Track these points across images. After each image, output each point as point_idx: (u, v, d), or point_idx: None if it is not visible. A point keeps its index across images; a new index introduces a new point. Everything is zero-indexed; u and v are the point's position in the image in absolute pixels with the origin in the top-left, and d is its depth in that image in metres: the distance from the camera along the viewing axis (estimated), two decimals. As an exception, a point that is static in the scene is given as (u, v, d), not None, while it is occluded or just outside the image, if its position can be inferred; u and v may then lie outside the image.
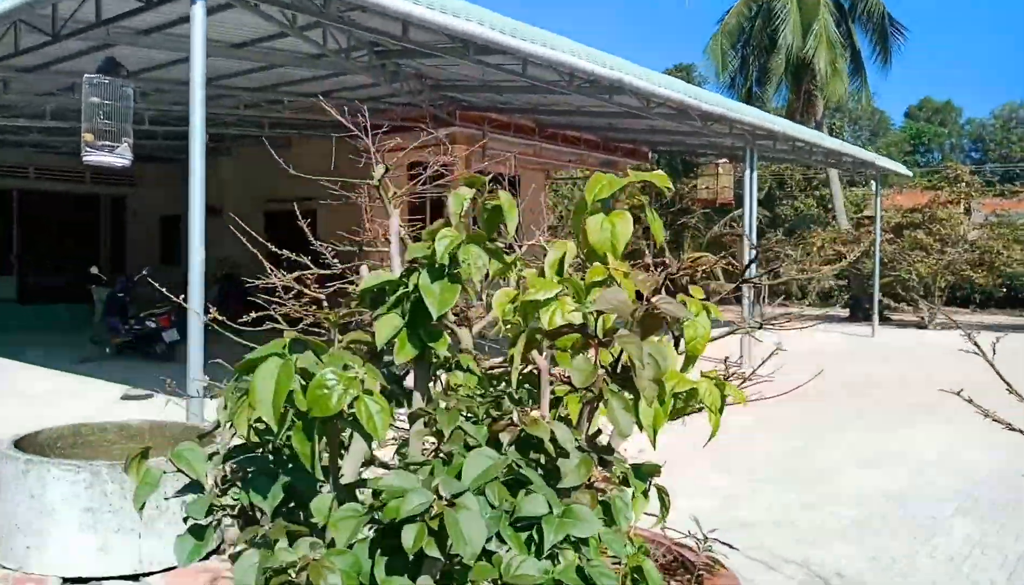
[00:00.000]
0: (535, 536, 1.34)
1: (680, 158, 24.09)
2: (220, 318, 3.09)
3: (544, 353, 1.58)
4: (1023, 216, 20.65)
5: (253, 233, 3.89)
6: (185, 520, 1.66)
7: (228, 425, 1.58)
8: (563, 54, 7.31)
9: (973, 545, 4.77)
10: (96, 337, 12.93)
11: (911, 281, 18.75)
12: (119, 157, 5.96)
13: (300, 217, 3.79)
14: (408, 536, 1.31)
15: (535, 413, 1.47)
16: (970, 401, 2.06)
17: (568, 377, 1.57)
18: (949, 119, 68.11)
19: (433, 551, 1.29)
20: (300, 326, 3.09)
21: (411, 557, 1.33)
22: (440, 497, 1.32)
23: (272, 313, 3.15)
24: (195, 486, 1.63)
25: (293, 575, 1.34)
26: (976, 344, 2.09)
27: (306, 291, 3.13)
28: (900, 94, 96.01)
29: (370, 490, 1.46)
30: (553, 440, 1.40)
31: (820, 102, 22.50)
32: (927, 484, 6.08)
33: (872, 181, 26.52)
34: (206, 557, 4.78)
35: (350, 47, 9.14)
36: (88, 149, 5.91)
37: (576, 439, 1.43)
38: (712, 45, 23.31)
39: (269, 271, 3.31)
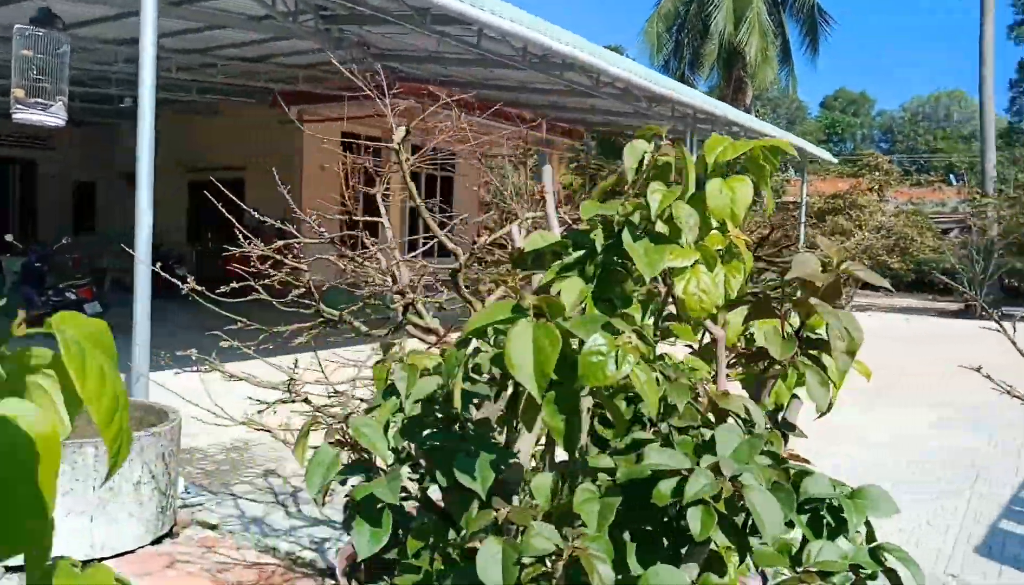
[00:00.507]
0: (830, 519, 1.26)
1: (611, 139, 24.28)
2: (198, 288, 2.89)
3: (720, 324, 1.50)
4: (936, 205, 21.63)
5: (247, 205, 3.68)
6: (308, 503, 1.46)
7: (409, 396, 1.41)
8: (520, 27, 7.18)
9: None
10: (8, 309, 12.18)
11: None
12: (53, 116, 5.54)
13: (279, 183, 3.57)
14: (695, 521, 1.19)
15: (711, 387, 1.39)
16: (988, 377, 2.09)
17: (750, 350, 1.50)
18: (862, 110, 70.78)
19: (720, 537, 1.19)
20: (291, 296, 2.93)
21: (668, 542, 1.23)
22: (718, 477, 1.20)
23: (253, 284, 2.97)
24: (359, 466, 1.44)
25: (549, 565, 1.19)
26: (1002, 327, 2.12)
27: (288, 261, 2.97)
28: (817, 84, 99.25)
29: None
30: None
31: (750, 89, 23.00)
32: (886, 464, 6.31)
33: (791, 167, 27.30)
34: (158, 541, 4.56)
35: (297, 10, 8.79)
36: (18, 106, 5.47)
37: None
38: (648, 28, 23.49)
39: (245, 240, 3.12)
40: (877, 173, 20.39)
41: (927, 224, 20.47)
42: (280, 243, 3.00)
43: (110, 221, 18.40)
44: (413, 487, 1.65)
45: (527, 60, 8.97)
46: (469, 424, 1.43)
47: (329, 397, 2.64)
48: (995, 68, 21.33)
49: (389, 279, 2.99)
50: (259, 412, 2.66)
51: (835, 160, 19.33)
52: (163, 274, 3.06)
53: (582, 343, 1.18)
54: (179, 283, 2.86)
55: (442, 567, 1.27)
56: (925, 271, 22.66)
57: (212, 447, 5.95)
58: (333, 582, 3.82)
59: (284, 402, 2.64)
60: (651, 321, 1.52)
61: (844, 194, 19.88)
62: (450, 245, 2.45)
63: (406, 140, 2.51)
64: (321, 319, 2.94)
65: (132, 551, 4.00)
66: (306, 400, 2.61)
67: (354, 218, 3.31)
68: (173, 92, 13.90)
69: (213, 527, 4.45)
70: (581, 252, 1.36)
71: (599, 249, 1.35)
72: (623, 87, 10.23)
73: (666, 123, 13.12)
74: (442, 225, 3.21)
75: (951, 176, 30.44)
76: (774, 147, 1.56)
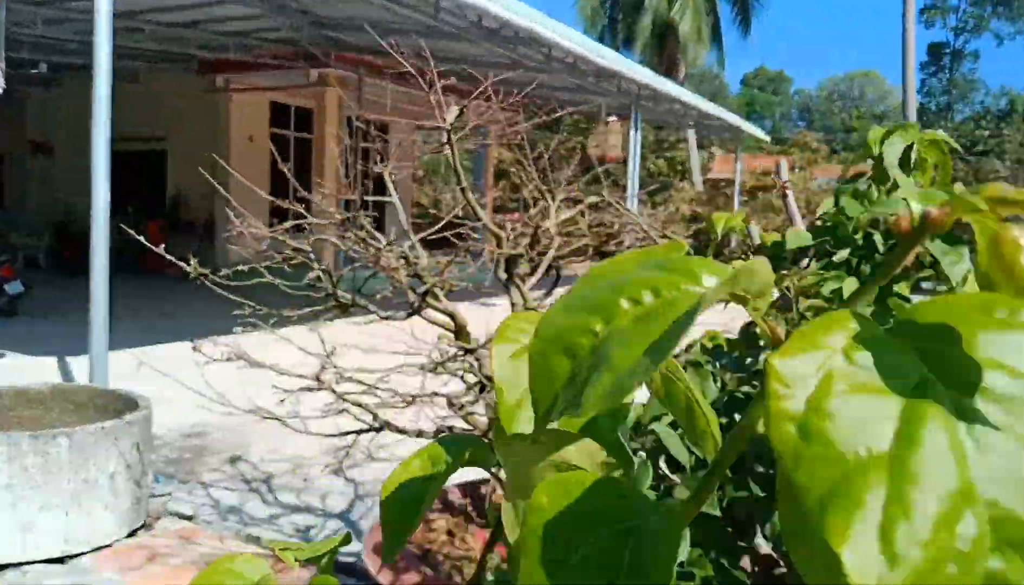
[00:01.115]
0: None
1: (549, 114, 24.20)
2: (202, 271, 2.72)
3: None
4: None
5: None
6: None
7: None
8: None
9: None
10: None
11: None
12: (-11, 83, 5.14)
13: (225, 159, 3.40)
14: None
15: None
16: None
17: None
18: (781, 89, 72.78)
19: None
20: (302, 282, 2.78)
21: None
22: None
23: (258, 267, 2.81)
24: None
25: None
26: None
27: (299, 247, 2.81)
28: (738, 62, 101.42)
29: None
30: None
31: (682, 65, 23.26)
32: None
33: (715, 143, 27.85)
34: (132, 534, 4.36)
35: (239, -26, 8.39)
36: (-50, 71, 5.04)
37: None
38: (582, 3, 23.45)
39: (243, 219, 2.94)
40: (805, 151, 21.01)
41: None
42: (289, 223, 2.83)
43: (20, 197, 17.39)
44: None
45: (481, 32, 8.81)
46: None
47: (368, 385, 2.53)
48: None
49: (397, 262, 2.88)
50: (281, 401, 2.53)
51: (767, 138, 19.81)
52: (170, 258, 2.85)
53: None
54: (186, 265, 2.67)
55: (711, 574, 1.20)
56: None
57: (170, 433, 5.69)
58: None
59: (311, 390, 2.52)
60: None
61: (773, 172, 20.42)
62: (493, 228, 2.36)
63: (450, 121, 2.39)
64: (334, 302, 2.81)
65: (108, 545, 3.79)
66: (332, 389, 2.50)
67: (363, 198, 3.17)
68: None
69: (189, 518, 4.26)
70: (846, 250, 1.30)
71: (880, 248, 1.29)
72: (572, 62, 10.16)
73: (611, 99, 13.14)
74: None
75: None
76: (935, 140, 1.52)
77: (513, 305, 2.38)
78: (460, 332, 2.89)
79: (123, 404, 4.33)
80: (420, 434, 2.79)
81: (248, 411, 2.82)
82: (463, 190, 2.37)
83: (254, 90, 15.86)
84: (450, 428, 2.80)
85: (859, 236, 1.33)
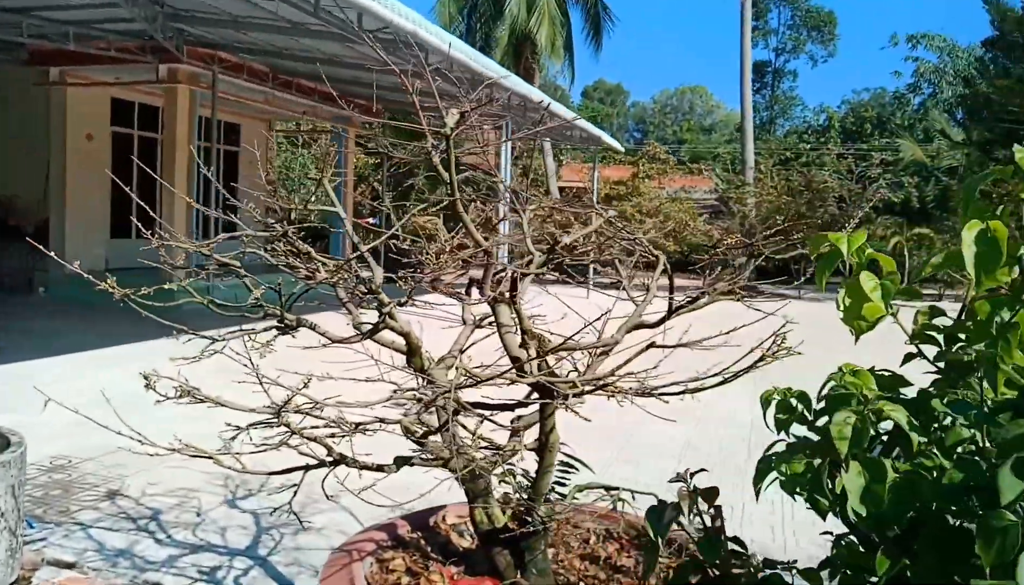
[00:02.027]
0: None
1: (405, 117, 23.87)
2: (116, 288, 2.37)
3: None
4: (707, 192, 23.68)
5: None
6: None
7: None
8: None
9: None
10: None
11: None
12: None
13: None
14: None
15: None
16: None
17: None
18: (618, 101, 75.71)
19: None
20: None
21: None
22: None
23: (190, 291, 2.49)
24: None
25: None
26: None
27: (227, 261, 2.52)
28: (578, 74, 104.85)
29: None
30: None
31: (537, 76, 23.63)
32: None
33: (562, 153, 28.52)
34: (9, 591, 3.82)
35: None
36: None
37: None
38: (440, 9, 23.31)
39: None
40: (655, 161, 21.88)
41: (692, 211, 22.29)
42: (224, 235, 2.53)
43: None
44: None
45: (356, 32, 8.49)
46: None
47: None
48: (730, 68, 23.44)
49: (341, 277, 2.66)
50: (232, 438, 2.24)
51: (622, 149, 20.47)
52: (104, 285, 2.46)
53: None
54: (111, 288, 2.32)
55: None
56: (685, 253, 24.71)
57: (29, 467, 5.04)
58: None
59: (266, 425, 2.25)
60: None
61: (627, 181, 21.12)
62: (479, 239, 2.19)
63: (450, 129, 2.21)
64: (275, 324, 2.56)
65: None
66: (287, 424, 2.24)
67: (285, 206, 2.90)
68: None
69: (71, 565, 3.78)
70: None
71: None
72: (446, 68, 10.03)
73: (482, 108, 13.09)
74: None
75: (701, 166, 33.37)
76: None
77: (500, 325, 2.23)
78: (413, 354, 2.71)
79: (-12, 440, 3.79)
80: (380, 468, 2.59)
81: (173, 450, 2.50)
82: (455, 202, 2.19)
83: (93, 85, 14.59)
84: (408, 460, 2.61)
85: None
